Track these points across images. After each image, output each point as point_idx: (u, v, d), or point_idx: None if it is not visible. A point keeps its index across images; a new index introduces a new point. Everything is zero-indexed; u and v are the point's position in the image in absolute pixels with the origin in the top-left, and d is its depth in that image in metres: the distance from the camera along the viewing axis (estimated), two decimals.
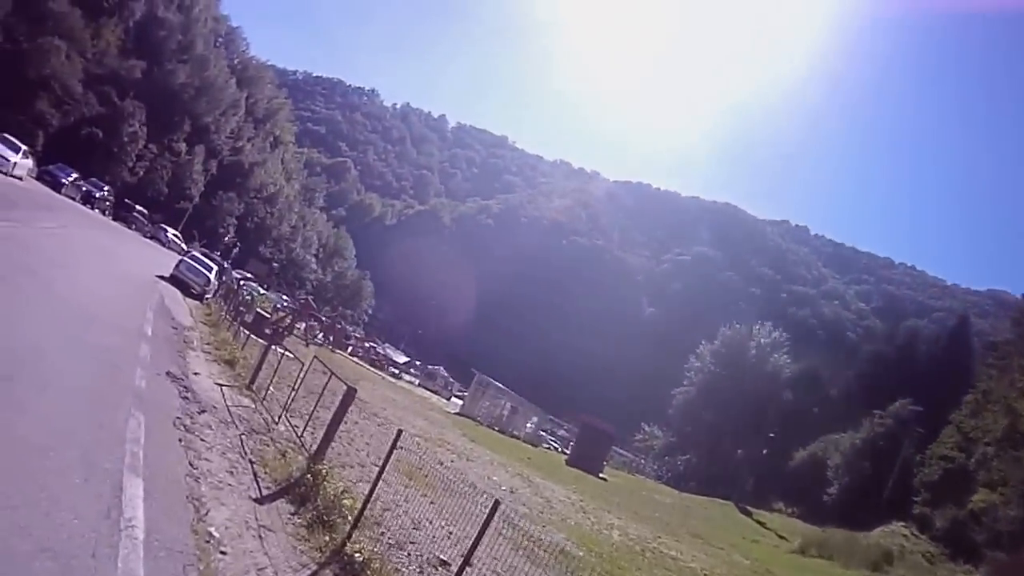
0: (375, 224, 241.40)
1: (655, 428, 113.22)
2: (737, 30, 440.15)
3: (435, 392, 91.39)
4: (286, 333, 47.93)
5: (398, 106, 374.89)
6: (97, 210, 70.77)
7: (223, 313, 37.65)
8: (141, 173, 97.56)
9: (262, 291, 73.11)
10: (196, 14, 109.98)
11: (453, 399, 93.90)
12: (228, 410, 17.87)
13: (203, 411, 16.42)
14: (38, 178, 60.99)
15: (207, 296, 45.06)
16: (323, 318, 74.87)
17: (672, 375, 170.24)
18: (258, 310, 45.09)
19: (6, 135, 50.69)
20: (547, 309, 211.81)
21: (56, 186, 61.54)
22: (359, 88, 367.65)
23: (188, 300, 39.72)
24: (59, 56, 77.21)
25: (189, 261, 47.89)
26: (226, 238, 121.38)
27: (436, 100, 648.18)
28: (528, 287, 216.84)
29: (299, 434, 17.25)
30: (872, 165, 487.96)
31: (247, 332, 32.86)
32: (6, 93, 70.32)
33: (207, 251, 79.68)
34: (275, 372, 23.15)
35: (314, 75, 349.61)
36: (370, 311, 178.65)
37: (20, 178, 49.29)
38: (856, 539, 52.58)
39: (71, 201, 62.02)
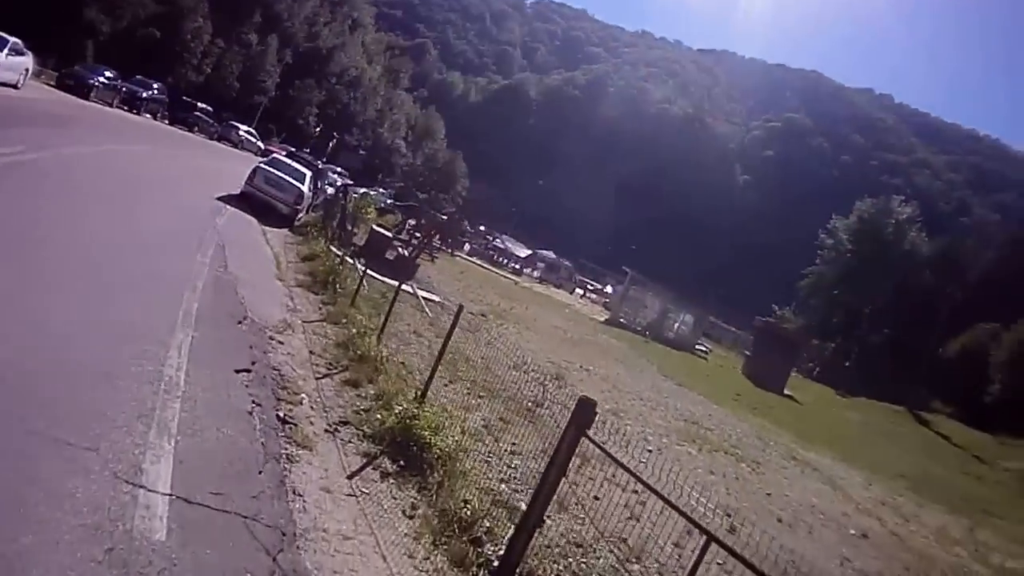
0: (459, 102, 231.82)
1: (787, 310, 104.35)
2: None
3: (560, 286, 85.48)
4: (420, 257, 38.99)
5: None
6: (147, 114, 57.37)
7: (330, 245, 26.06)
8: (209, 71, 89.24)
9: (362, 191, 56.79)
10: None
11: (577, 291, 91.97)
12: None
13: None
14: (59, 85, 48.50)
15: (299, 217, 32.58)
16: (441, 215, 59.41)
17: (781, 247, 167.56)
18: (374, 227, 34.06)
19: None
20: (640, 179, 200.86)
21: (82, 90, 47.92)
22: None
23: (272, 232, 27.28)
24: None
25: (268, 169, 32.79)
26: (317, 129, 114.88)
27: None
28: (620, 156, 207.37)
29: None
30: (950, 32, 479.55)
31: (363, 268, 21.96)
32: (49, 10, 59.99)
33: (293, 150, 67.27)
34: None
35: None
36: (464, 193, 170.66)
37: (13, 86, 34.32)
38: None
39: (105, 107, 48.86)
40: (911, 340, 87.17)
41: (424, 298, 25.30)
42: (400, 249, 34.54)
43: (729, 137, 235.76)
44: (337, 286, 20.45)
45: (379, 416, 11.20)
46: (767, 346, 63.16)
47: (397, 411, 11.08)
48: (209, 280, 15.58)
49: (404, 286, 19.93)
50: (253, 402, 10.14)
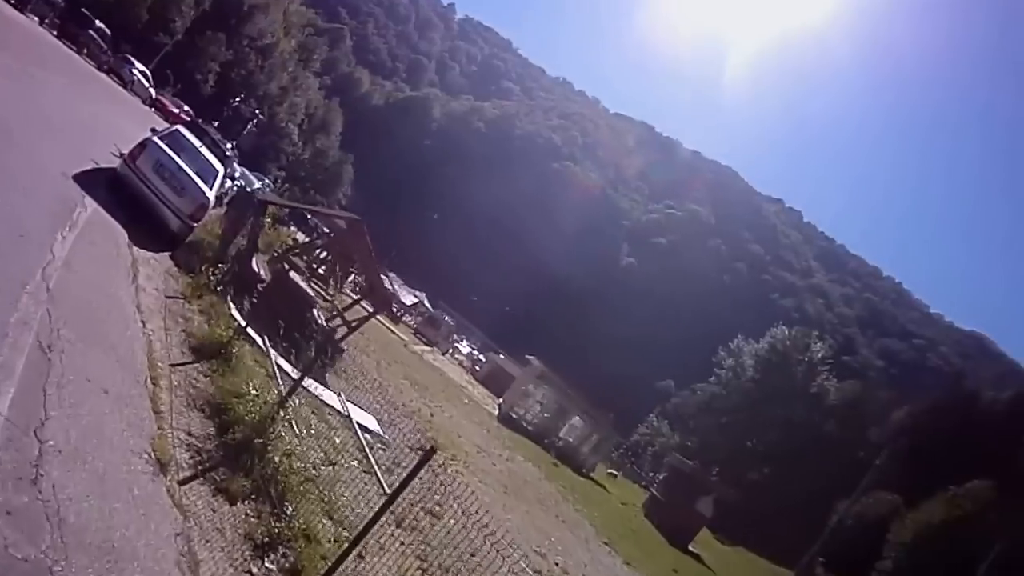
0: (361, 102, 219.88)
1: (664, 424, 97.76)
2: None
3: (435, 344, 79.13)
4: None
5: None
6: (32, 16, 47.46)
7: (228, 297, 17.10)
8: None
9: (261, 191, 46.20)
10: None
11: (448, 351, 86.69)
12: None
13: None
14: None
15: (195, 227, 20.40)
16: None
17: (648, 340, 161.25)
18: (287, 266, 23.51)
19: None
20: (523, 231, 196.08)
21: None
22: None
23: (147, 262, 16.19)
24: None
25: (164, 150, 19.82)
26: (236, 100, 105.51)
27: None
28: (508, 203, 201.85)
29: None
30: (878, 167, 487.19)
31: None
32: None
33: (196, 118, 54.89)
34: None
35: None
36: (343, 200, 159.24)
37: None
38: None
39: None
40: (800, 490, 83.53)
41: (359, 425, 16.00)
42: (316, 311, 23.20)
43: (625, 213, 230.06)
44: (276, 476, 10.32)
45: None
46: (677, 491, 57.47)
47: None
48: None
49: (328, 392, 16.32)
50: None
